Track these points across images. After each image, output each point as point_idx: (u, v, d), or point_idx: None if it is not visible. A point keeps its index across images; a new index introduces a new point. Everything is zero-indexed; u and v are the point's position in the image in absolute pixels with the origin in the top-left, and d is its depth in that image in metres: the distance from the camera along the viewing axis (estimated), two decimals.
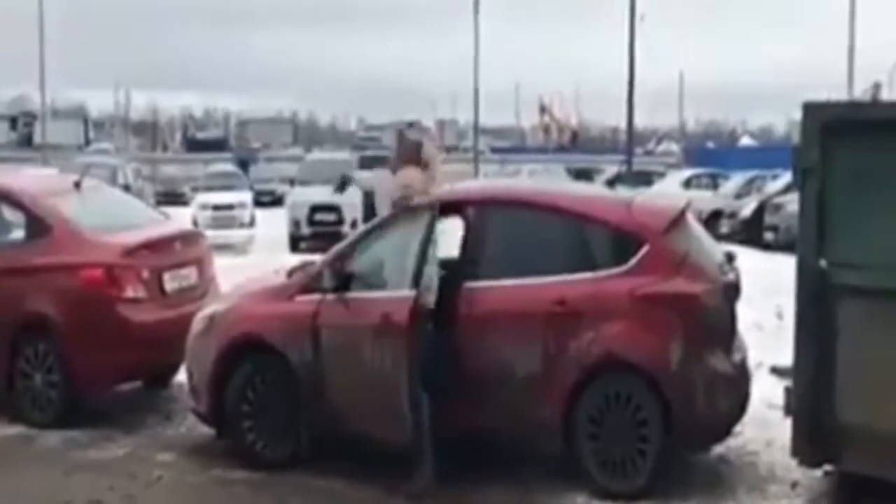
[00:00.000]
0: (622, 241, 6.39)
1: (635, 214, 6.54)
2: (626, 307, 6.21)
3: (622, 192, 11.33)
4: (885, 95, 36.62)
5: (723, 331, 6.37)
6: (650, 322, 6.14)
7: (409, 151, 6.90)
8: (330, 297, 6.63)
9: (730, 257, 6.89)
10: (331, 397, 6.55)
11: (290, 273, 7.20)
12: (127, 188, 20.28)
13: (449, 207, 7.12)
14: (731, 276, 6.58)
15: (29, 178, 10.08)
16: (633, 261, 6.28)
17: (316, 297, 6.68)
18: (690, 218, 6.80)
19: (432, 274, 6.59)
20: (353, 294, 6.61)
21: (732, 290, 6.53)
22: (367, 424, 6.43)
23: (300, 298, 6.78)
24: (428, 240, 6.49)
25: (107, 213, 8.48)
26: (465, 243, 6.73)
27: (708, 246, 6.82)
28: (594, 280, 6.32)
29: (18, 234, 8.34)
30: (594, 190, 10.19)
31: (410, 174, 6.87)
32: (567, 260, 6.46)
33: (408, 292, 6.31)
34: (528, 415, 6.29)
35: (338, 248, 7.04)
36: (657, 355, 6.11)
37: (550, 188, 8.05)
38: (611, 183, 31.14)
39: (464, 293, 6.47)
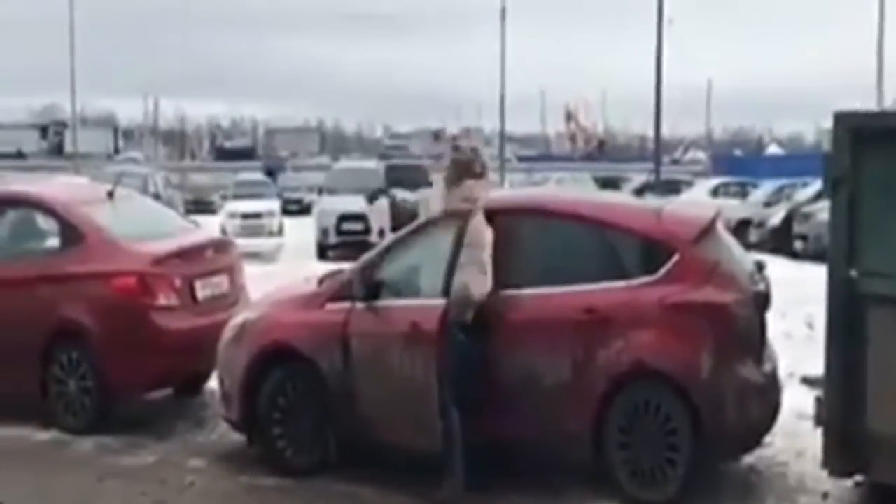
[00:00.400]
0: (652, 250, 6.38)
1: (665, 223, 6.54)
2: (656, 316, 6.20)
3: (651, 200, 11.32)
4: None
5: (753, 340, 6.35)
6: (680, 331, 6.13)
7: (467, 162, 6.76)
8: (360, 305, 6.67)
9: (760, 267, 6.88)
10: (360, 405, 6.58)
11: (321, 281, 7.25)
12: (157, 197, 20.40)
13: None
14: (761, 286, 6.56)
15: (62, 187, 10.18)
16: (663, 270, 6.28)
17: (346, 305, 6.73)
18: (720, 227, 6.79)
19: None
20: (383, 302, 6.65)
21: (763, 300, 6.50)
22: (397, 433, 6.46)
23: (330, 307, 6.83)
24: (459, 247, 6.52)
25: (139, 221, 8.57)
26: (496, 252, 6.74)
27: (738, 255, 6.81)
28: (624, 289, 6.32)
29: (52, 242, 8.44)
30: (624, 199, 10.17)
31: (473, 186, 6.61)
32: (597, 269, 6.47)
33: (439, 300, 6.35)
34: (558, 423, 6.29)
35: (368, 256, 7.08)
36: (687, 364, 6.10)
37: (581, 197, 8.05)
38: (639, 192, 31.05)
39: (494, 301, 6.49)
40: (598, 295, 6.33)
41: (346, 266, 7.36)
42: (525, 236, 6.71)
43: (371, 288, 6.64)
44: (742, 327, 6.24)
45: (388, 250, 6.97)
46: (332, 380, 6.64)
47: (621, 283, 6.35)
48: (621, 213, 6.79)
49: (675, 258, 6.27)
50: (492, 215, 6.88)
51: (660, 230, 6.46)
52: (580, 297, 6.34)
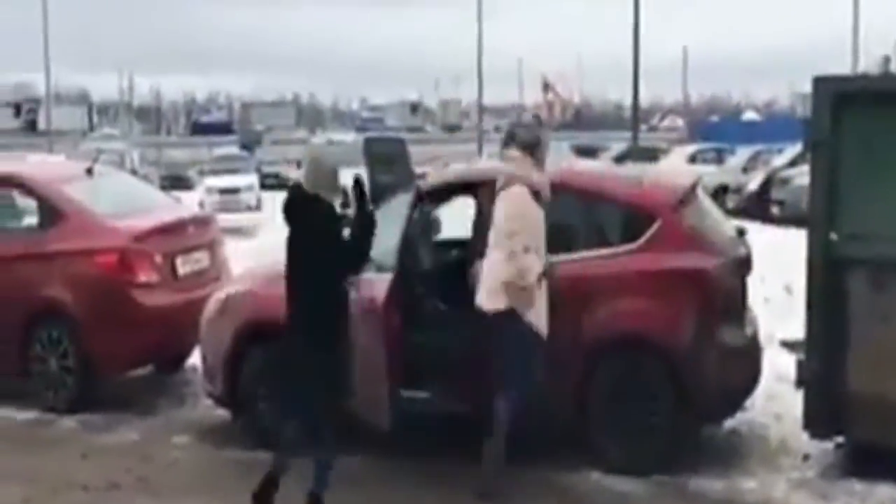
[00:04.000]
0: (634, 217, 6.39)
1: (647, 191, 6.55)
2: (638, 283, 6.22)
3: (631, 168, 11.32)
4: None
5: (734, 305, 6.38)
6: (663, 298, 6.15)
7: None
8: None
9: (741, 232, 6.91)
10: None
11: None
12: (134, 173, 20.29)
13: (460, 188, 7.13)
14: (742, 251, 6.60)
15: (42, 166, 10.12)
16: (645, 237, 6.29)
17: None
18: (701, 193, 6.81)
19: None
20: (363, 276, 6.64)
21: (744, 265, 6.54)
22: (360, 408, 6.40)
23: None
24: (410, 222, 6.51)
25: (119, 198, 8.50)
26: (478, 223, 6.74)
27: (719, 221, 6.84)
28: (607, 257, 6.34)
29: (32, 220, 8.37)
30: (605, 167, 10.18)
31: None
32: (580, 237, 6.48)
33: (390, 275, 6.28)
34: (544, 392, 6.31)
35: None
36: (670, 331, 6.13)
37: (561, 166, 8.05)
38: (619, 160, 31.02)
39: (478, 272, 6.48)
40: (582, 263, 6.34)
41: None
42: None
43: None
44: (724, 293, 6.27)
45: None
46: None
47: (604, 251, 6.36)
48: (603, 182, 6.80)
49: (657, 225, 6.29)
50: (474, 186, 6.88)
51: (641, 198, 6.47)
52: (565, 266, 6.33)
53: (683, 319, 6.11)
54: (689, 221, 6.37)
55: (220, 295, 7.29)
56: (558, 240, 6.45)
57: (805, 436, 6.23)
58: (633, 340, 6.24)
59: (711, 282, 6.20)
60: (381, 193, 7.56)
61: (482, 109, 58.76)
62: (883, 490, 5.82)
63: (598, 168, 9.15)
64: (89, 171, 8.68)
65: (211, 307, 7.26)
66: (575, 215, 6.58)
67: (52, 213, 8.07)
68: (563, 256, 6.38)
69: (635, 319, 6.23)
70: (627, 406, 6.20)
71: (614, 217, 6.51)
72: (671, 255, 6.20)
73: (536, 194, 5.98)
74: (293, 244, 5.65)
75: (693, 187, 6.62)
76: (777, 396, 7.22)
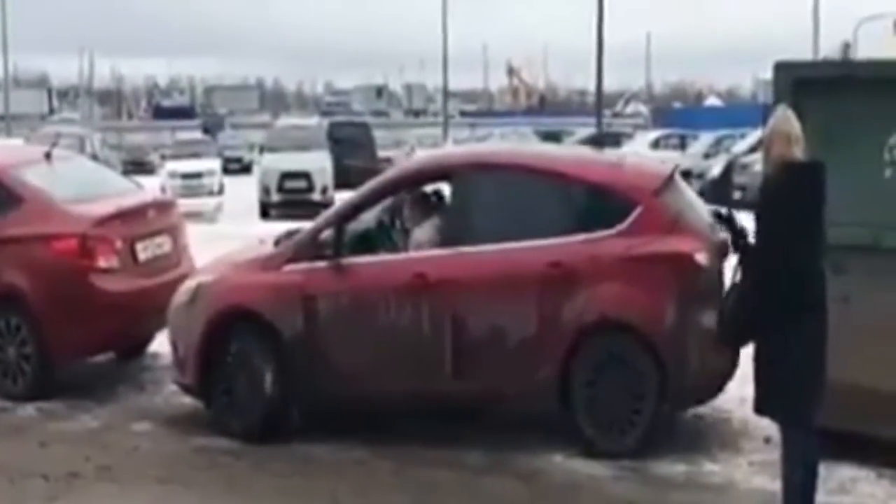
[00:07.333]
0: (615, 202, 6.36)
1: (627, 176, 6.56)
2: (620, 268, 6.20)
3: (610, 153, 11.29)
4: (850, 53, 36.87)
5: (714, 289, 6.36)
6: (644, 282, 6.15)
7: None
8: (322, 263, 6.60)
9: (717, 215, 6.92)
10: (339, 362, 6.53)
11: (277, 242, 7.14)
12: (94, 157, 20.04)
13: (437, 173, 7.11)
14: (720, 235, 6.61)
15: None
16: (626, 222, 6.27)
17: (306, 265, 6.65)
18: (679, 178, 6.83)
19: None
20: (356, 259, 6.63)
21: (722, 249, 6.56)
22: (402, 381, 6.47)
23: (289, 268, 6.72)
24: None
25: (78, 183, 8.38)
26: (456, 208, 6.72)
27: (697, 206, 6.85)
28: (588, 241, 6.31)
29: None
30: (585, 152, 10.15)
31: None
32: (560, 222, 6.43)
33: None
34: (525, 377, 6.28)
35: (332, 212, 7.00)
36: (652, 315, 6.13)
37: (540, 151, 8.03)
38: (597, 143, 31.11)
39: (459, 258, 6.47)
40: (563, 248, 6.31)
41: (297, 225, 7.28)
42: (488, 192, 6.65)
43: (338, 245, 6.60)
44: (704, 277, 6.24)
45: (363, 203, 6.93)
46: (294, 341, 6.55)
47: (585, 236, 6.33)
48: (584, 166, 6.79)
49: (638, 210, 6.27)
50: (451, 172, 6.85)
51: (622, 182, 6.46)
52: (545, 251, 6.31)
53: (665, 305, 6.12)
54: (670, 206, 6.37)
55: (190, 283, 7.13)
56: (540, 224, 6.44)
57: (768, 419, 6.27)
58: (615, 326, 6.23)
59: (693, 267, 6.18)
60: (347, 177, 7.58)
61: (447, 94, 58.64)
62: (843, 471, 5.89)
63: (579, 153, 9.13)
64: (48, 156, 8.55)
65: (181, 296, 7.09)
66: (557, 200, 6.54)
67: (9, 198, 7.92)
68: (544, 241, 6.36)
69: (618, 305, 6.22)
70: (609, 392, 6.19)
71: (596, 202, 6.47)
72: (653, 240, 6.19)
73: None
74: None
75: (673, 172, 6.64)
76: (743, 379, 7.25)
